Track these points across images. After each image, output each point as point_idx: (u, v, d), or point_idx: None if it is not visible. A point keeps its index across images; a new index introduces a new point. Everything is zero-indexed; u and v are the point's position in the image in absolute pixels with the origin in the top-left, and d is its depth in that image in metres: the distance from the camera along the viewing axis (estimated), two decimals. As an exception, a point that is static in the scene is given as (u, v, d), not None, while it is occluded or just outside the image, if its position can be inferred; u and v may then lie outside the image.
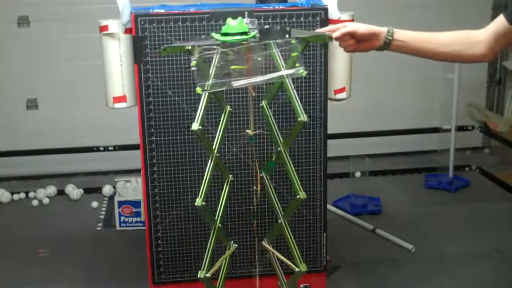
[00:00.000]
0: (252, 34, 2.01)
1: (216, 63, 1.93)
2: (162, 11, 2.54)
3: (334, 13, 2.59)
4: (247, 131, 2.36)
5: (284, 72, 1.95)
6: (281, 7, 2.60)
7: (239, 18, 2.00)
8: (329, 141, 2.76)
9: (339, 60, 2.67)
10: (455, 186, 4.18)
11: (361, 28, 1.97)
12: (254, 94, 2.33)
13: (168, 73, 2.56)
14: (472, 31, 1.94)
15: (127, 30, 2.52)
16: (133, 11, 2.52)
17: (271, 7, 2.58)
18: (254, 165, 2.45)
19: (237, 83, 1.94)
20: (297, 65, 1.94)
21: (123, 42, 2.53)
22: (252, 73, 1.94)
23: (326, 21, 2.58)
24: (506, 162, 4.64)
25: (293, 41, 1.98)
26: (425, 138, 4.74)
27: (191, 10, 2.54)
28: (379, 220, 3.72)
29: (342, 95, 2.72)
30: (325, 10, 2.58)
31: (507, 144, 4.53)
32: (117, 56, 2.54)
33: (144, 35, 2.50)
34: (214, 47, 1.96)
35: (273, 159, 2.25)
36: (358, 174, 4.19)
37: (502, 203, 4.02)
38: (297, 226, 2.77)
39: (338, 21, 2.60)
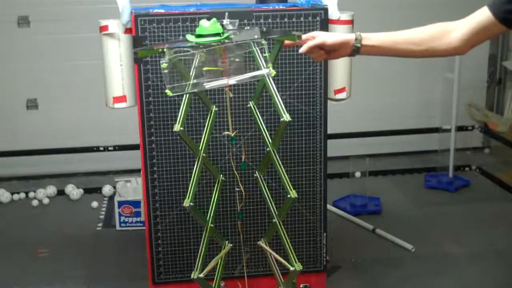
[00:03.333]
0: (225, 35, 1.99)
1: (193, 65, 1.92)
2: (162, 11, 2.54)
3: (334, 13, 2.59)
4: (225, 133, 2.37)
5: (255, 73, 1.94)
6: (281, 7, 2.60)
7: (213, 19, 1.99)
8: (329, 141, 2.76)
9: (339, 60, 2.66)
10: (455, 186, 4.18)
11: (329, 39, 1.96)
12: (231, 95, 2.33)
13: (168, 73, 2.55)
14: (448, 23, 1.87)
15: (127, 30, 2.52)
16: (133, 11, 2.52)
17: (271, 7, 2.58)
18: (233, 166, 2.46)
19: (210, 85, 1.93)
20: (268, 65, 1.94)
21: (123, 42, 2.53)
22: (227, 74, 1.94)
23: (326, 21, 2.59)
24: (506, 162, 4.64)
25: (263, 42, 1.98)
26: (425, 138, 4.74)
27: (191, 10, 2.54)
28: (379, 220, 3.72)
29: (342, 95, 2.72)
30: (325, 10, 2.58)
31: (507, 144, 4.53)
32: (117, 56, 2.54)
33: (144, 35, 2.50)
34: (186, 49, 1.95)
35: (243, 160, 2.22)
36: (358, 174, 4.19)
37: (502, 203, 4.02)
38: (297, 226, 2.77)
39: (338, 21, 2.60)
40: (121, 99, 2.59)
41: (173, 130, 1.95)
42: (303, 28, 2.57)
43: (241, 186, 2.37)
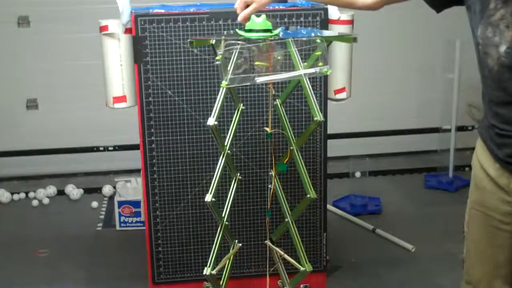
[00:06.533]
0: (276, 32, 2.01)
1: (240, 59, 1.93)
2: (162, 11, 2.54)
3: (334, 13, 2.59)
4: (265, 128, 2.35)
5: (306, 70, 1.95)
6: (281, 7, 2.60)
7: (263, 15, 2.01)
8: (329, 141, 2.76)
9: (339, 60, 2.67)
10: (455, 186, 4.17)
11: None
12: (274, 92, 2.32)
13: (168, 73, 2.56)
14: None
15: (127, 30, 2.52)
16: (133, 11, 2.52)
17: (271, 7, 2.58)
18: (270, 163, 2.43)
19: (260, 79, 1.94)
20: (320, 64, 1.95)
21: (123, 42, 2.53)
22: (274, 70, 1.95)
23: (326, 21, 2.59)
24: (506, 162, 4.63)
25: (318, 40, 1.99)
26: (425, 138, 4.74)
27: (191, 10, 2.54)
28: (379, 220, 3.72)
29: (342, 95, 2.72)
30: (325, 10, 2.58)
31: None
32: (117, 56, 2.54)
33: (144, 35, 2.50)
34: (239, 42, 1.96)
35: (285, 160, 2.21)
36: (358, 174, 4.19)
37: (502, 203, 4.01)
38: (297, 226, 2.76)
39: (338, 21, 2.60)
40: (121, 99, 2.59)
41: (207, 123, 1.94)
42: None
43: (274, 182, 2.34)
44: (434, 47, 4.54)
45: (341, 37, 2.24)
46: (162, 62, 2.54)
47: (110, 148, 4.32)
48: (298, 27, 2.52)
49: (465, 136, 4.66)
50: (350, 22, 2.62)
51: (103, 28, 2.52)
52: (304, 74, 1.95)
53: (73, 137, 4.37)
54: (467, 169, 4.54)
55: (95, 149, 4.33)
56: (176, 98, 2.58)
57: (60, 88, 4.31)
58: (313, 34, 2.04)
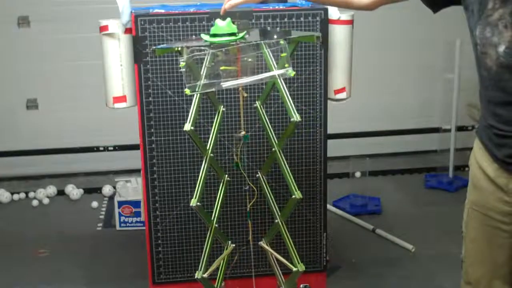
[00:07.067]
0: (241, 35, 2.00)
1: (205, 64, 1.92)
2: (162, 11, 2.54)
3: (334, 13, 2.59)
4: (238, 133, 2.35)
5: (273, 72, 1.94)
6: (281, 7, 2.60)
7: (228, 19, 1.99)
8: (329, 141, 2.76)
9: (339, 60, 2.67)
10: (455, 186, 4.17)
11: None
12: (245, 95, 2.33)
13: (168, 73, 2.56)
14: None
15: (127, 30, 2.52)
16: (133, 11, 2.52)
17: (271, 7, 2.58)
18: (243, 166, 2.44)
19: (226, 84, 1.93)
20: (286, 65, 1.94)
21: (123, 42, 2.53)
22: (242, 74, 1.94)
23: (326, 21, 2.59)
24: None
25: (281, 42, 1.98)
26: (425, 138, 4.74)
27: (191, 10, 2.54)
28: (379, 220, 3.72)
29: (342, 95, 2.72)
30: (325, 10, 2.58)
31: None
32: (117, 56, 2.54)
33: (144, 35, 2.50)
34: (203, 48, 1.95)
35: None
36: (358, 174, 4.19)
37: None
38: (297, 226, 2.77)
39: (338, 21, 2.60)
40: (121, 99, 2.59)
41: (183, 129, 1.94)
42: (303, 28, 2.57)
43: (250, 183, 2.35)
44: (434, 47, 4.55)
45: (304, 37, 2.23)
46: (162, 62, 2.54)
47: (110, 148, 4.33)
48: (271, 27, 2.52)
49: (465, 136, 4.66)
50: (350, 22, 2.62)
51: (103, 28, 2.52)
52: (277, 75, 1.93)
53: (73, 137, 4.37)
54: (467, 169, 4.51)
55: (95, 149, 4.33)
56: (176, 98, 2.58)
57: (60, 88, 4.31)
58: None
